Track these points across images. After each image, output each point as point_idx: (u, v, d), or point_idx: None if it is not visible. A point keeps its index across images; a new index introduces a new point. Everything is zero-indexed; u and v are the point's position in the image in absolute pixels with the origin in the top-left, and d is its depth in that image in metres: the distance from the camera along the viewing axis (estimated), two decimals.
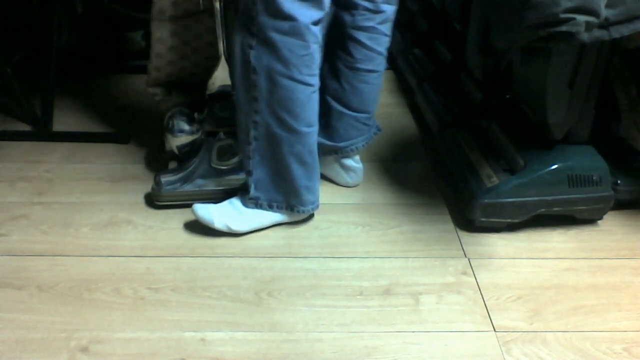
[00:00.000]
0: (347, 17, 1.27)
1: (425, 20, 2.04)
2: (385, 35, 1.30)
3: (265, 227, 1.29)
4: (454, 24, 1.75)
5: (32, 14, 1.99)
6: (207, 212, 1.26)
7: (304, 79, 1.12)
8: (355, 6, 1.25)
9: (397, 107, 1.87)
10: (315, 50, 1.12)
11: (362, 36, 1.27)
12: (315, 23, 1.10)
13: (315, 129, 1.20)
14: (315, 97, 1.17)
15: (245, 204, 1.26)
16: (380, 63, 1.32)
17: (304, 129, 1.17)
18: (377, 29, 1.27)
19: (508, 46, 1.24)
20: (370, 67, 1.30)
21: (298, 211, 1.27)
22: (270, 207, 1.27)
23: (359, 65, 1.30)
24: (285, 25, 1.07)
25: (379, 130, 1.44)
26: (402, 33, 2.11)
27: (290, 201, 1.26)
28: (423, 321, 1.08)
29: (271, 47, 1.09)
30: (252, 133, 1.18)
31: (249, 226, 1.27)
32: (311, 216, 1.33)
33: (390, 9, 1.27)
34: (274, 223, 1.30)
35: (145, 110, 1.78)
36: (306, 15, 1.07)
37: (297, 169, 1.21)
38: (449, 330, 1.06)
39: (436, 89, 1.74)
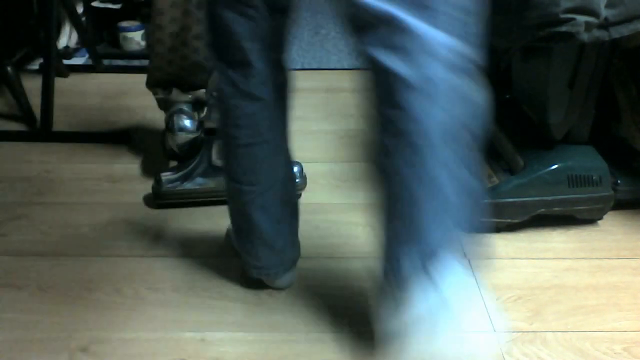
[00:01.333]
0: None
1: None
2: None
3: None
4: None
5: (32, 14, 1.99)
6: None
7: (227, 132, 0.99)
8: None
9: None
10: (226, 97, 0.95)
11: None
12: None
13: (245, 186, 1.00)
14: (243, 151, 0.99)
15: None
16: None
17: (231, 184, 1.02)
18: None
19: (508, 46, 1.24)
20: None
21: (247, 271, 1.11)
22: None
23: None
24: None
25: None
26: None
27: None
28: None
29: None
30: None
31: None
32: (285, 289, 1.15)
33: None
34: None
35: (145, 110, 1.78)
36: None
37: (234, 227, 1.09)
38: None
39: None
